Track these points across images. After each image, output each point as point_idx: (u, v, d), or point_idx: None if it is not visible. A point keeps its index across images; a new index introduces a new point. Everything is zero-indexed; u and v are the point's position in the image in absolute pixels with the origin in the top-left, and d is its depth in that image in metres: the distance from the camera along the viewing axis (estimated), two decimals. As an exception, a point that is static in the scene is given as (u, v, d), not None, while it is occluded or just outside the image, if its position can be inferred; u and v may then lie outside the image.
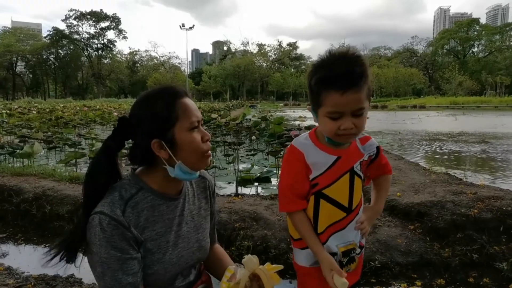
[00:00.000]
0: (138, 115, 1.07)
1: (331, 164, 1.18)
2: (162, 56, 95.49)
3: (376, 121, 19.03)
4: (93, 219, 1.00)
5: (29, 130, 9.82)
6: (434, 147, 9.33)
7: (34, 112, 19.21)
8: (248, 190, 4.89)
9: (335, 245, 1.21)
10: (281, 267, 1.17)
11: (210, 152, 1.12)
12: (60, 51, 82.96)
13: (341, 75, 1.05)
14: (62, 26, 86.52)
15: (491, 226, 2.83)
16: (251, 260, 1.13)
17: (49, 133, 9.48)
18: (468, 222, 2.87)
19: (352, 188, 1.20)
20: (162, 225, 1.11)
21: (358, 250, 1.26)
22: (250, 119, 15.58)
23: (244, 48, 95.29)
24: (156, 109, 1.06)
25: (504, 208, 2.92)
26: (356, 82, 1.04)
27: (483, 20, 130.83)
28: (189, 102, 1.10)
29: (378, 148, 1.30)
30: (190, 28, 64.32)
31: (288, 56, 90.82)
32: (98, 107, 27.38)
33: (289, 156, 1.23)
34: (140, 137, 1.07)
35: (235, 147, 6.79)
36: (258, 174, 5.40)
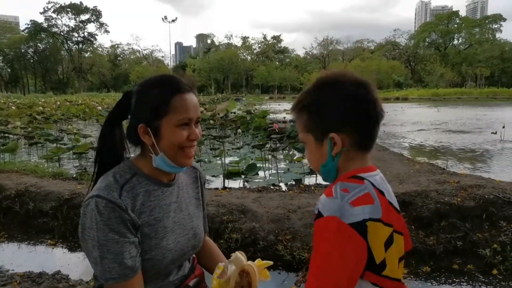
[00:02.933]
0: (137, 95, 1.09)
1: None
2: (144, 50, 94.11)
3: (360, 113, 19.22)
4: (89, 204, 0.98)
5: (7, 127, 9.57)
6: (417, 137, 9.49)
7: (13, 107, 18.72)
8: (235, 183, 4.89)
9: None
10: (270, 263, 1.18)
11: (192, 152, 1.11)
12: (39, 44, 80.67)
13: None
14: (40, 19, 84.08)
15: (474, 214, 2.90)
16: (238, 257, 1.13)
17: (29, 128, 9.26)
18: (451, 211, 2.94)
19: None
20: (159, 210, 1.11)
21: None
22: (235, 113, 15.53)
23: (228, 41, 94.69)
24: (151, 97, 1.07)
25: (486, 196, 2.99)
26: (293, 106, 0.95)
27: (463, 13, 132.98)
28: (188, 98, 1.08)
29: (319, 213, 0.84)
30: (173, 20, 63.61)
31: (272, 49, 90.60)
32: (80, 101, 26.86)
33: None
34: (133, 116, 1.10)
35: (221, 140, 6.77)
36: (245, 167, 5.40)
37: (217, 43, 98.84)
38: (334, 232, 0.78)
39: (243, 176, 5.18)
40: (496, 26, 78.05)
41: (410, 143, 8.62)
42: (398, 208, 0.90)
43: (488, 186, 3.22)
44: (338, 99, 0.88)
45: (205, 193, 1.37)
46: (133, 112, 1.10)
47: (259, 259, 1.18)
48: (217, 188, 4.34)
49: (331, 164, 0.90)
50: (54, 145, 7.17)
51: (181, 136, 1.05)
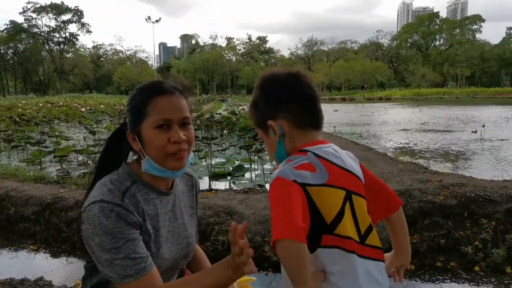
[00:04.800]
0: (126, 103, 1.12)
1: None
2: (128, 50, 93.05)
3: (346, 113, 19.41)
4: (91, 209, 0.97)
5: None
6: (400, 137, 9.64)
7: (-7, 109, 18.27)
8: (221, 185, 4.88)
9: None
10: (253, 279, 1.20)
11: (181, 154, 1.07)
12: (19, 45, 78.79)
13: None
14: (20, 19, 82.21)
15: (456, 212, 2.96)
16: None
17: (9, 131, 9.05)
18: (434, 209, 2.99)
19: None
20: (157, 219, 1.10)
21: None
22: (221, 114, 15.49)
23: (213, 41, 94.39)
24: (134, 102, 1.08)
25: (467, 195, 3.05)
26: (248, 109, 1.10)
27: (444, 14, 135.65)
28: (166, 99, 1.06)
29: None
30: (157, 21, 62.95)
31: (257, 50, 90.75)
32: (61, 103, 26.38)
33: None
34: (126, 124, 1.12)
35: (207, 141, 6.74)
36: (231, 168, 5.39)
37: (201, 44, 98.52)
38: (279, 186, 0.89)
39: (229, 178, 5.17)
40: (475, 27, 79.91)
41: (394, 142, 8.74)
42: (357, 174, 1.00)
43: (469, 184, 3.29)
44: (271, 91, 1.00)
45: (198, 201, 1.37)
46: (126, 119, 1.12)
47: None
48: (202, 190, 4.32)
49: (280, 148, 1.01)
50: (36, 148, 7.03)
51: (160, 139, 1.03)
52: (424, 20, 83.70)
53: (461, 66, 64.50)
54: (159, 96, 1.06)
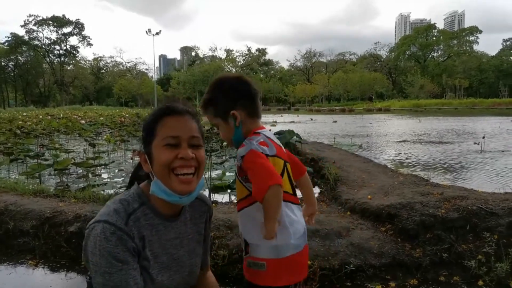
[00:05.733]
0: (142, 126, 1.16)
1: None
2: (128, 62, 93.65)
3: (345, 124, 19.47)
4: (94, 228, 0.97)
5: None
6: (400, 148, 9.64)
7: (-7, 122, 18.29)
8: (221, 197, 4.85)
9: None
10: None
11: (187, 177, 1.05)
12: (19, 57, 79.36)
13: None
14: (21, 32, 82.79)
15: (458, 225, 2.93)
16: None
17: (9, 144, 9.04)
18: (436, 222, 2.97)
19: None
20: (158, 245, 1.09)
21: (243, 248, 1.39)
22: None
23: (212, 53, 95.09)
24: (147, 123, 1.11)
25: (469, 208, 3.04)
26: (202, 106, 1.40)
27: (441, 26, 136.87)
28: (175, 119, 1.08)
29: (243, 156, 1.29)
30: (157, 33, 63.51)
31: (257, 62, 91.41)
32: (62, 115, 26.43)
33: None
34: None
35: (207, 154, 6.72)
36: (231, 181, 5.37)
37: (201, 56, 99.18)
38: (255, 155, 1.25)
39: (229, 191, 5.14)
40: (472, 38, 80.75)
41: (394, 154, 8.74)
42: (283, 149, 1.43)
43: (470, 197, 3.27)
44: (229, 89, 1.35)
45: (210, 227, 1.36)
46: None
47: None
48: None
49: (238, 133, 1.35)
50: (35, 161, 7.01)
51: (166, 155, 1.03)
52: (422, 32, 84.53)
53: (459, 77, 65.02)
54: (169, 116, 1.08)
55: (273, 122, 19.09)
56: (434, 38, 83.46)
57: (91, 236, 0.98)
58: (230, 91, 1.35)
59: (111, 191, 4.90)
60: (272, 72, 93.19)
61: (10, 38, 77.34)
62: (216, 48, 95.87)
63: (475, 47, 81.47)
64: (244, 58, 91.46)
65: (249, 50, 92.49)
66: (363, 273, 2.67)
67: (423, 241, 2.90)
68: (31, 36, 79.81)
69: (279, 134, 6.73)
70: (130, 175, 1.24)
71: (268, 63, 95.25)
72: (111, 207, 1.03)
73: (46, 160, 7.06)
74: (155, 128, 1.06)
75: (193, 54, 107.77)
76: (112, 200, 1.07)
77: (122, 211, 1.02)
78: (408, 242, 2.93)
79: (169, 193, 1.05)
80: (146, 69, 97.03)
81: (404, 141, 11.43)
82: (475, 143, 9.68)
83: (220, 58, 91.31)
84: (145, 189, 1.11)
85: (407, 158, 8.04)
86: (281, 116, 31.09)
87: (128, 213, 1.03)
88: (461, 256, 2.76)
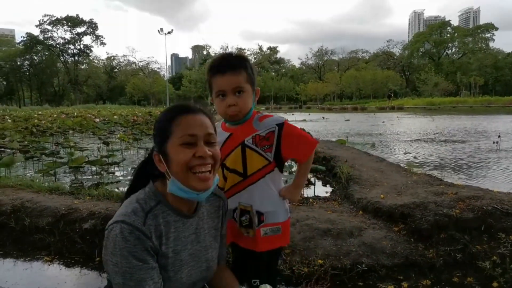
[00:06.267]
0: (154, 126, 1.16)
1: (225, 140, 1.50)
2: (140, 61, 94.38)
3: (357, 122, 19.31)
4: (113, 229, 0.99)
5: (3, 140, 9.52)
6: (413, 147, 9.53)
7: (9, 120, 18.65)
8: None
9: (237, 202, 1.50)
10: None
11: (205, 175, 1.07)
12: (34, 57, 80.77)
13: (221, 63, 1.44)
14: (36, 31, 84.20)
15: (473, 225, 2.89)
16: None
17: (25, 142, 9.21)
18: (450, 223, 2.93)
19: (244, 158, 1.46)
20: (177, 242, 1.10)
21: (256, 220, 1.47)
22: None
23: (224, 52, 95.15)
24: (160, 123, 1.10)
25: (484, 208, 2.99)
26: (233, 67, 1.40)
27: (455, 23, 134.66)
28: (191, 117, 1.08)
29: (280, 124, 1.47)
30: (169, 32, 63.88)
31: (268, 60, 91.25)
32: (76, 114, 26.81)
33: None
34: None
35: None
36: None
37: (212, 54, 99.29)
38: (290, 124, 1.50)
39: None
40: (488, 35, 79.17)
41: (407, 153, 8.65)
42: None
43: (486, 197, 3.22)
44: (253, 70, 1.48)
45: (226, 222, 1.37)
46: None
47: None
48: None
49: (252, 107, 1.49)
50: (50, 159, 7.13)
51: (184, 154, 1.04)
52: (436, 29, 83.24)
53: (474, 75, 63.77)
54: (183, 115, 1.08)
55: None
56: (448, 35, 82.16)
57: (110, 237, 0.99)
58: (254, 72, 1.48)
59: (124, 189, 4.96)
60: (283, 70, 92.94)
61: (25, 38, 78.78)
62: (227, 47, 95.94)
63: (491, 44, 79.94)
64: (255, 56, 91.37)
65: (260, 48, 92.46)
66: (375, 273, 2.65)
67: (437, 241, 2.86)
68: (46, 36, 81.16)
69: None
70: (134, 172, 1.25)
71: (280, 61, 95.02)
72: (129, 207, 1.04)
73: (61, 158, 7.18)
74: (170, 127, 1.06)
75: (204, 52, 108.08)
76: (129, 200, 1.08)
77: (140, 210, 1.03)
78: (421, 242, 2.90)
79: (187, 190, 1.07)
80: (158, 68, 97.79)
81: (417, 140, 11.29)
82: (494, 142, 9.41)
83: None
84: (159, 187, 1.12)
85: (420, 157, 7.95)
86: (293, 114, 30.98)
87: (145, 211, 1.04)
88: (475, 257, 2.72)
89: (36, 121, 17.56)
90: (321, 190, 4.99)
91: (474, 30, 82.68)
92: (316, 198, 4.31)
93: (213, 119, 1.16)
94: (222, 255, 1.36)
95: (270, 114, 1.52)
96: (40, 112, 31.03)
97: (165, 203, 1.09)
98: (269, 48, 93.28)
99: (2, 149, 7.55)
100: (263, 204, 1.47)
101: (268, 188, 1.48)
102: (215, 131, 1.15)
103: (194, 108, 1.11)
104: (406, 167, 5.51)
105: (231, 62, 1.42)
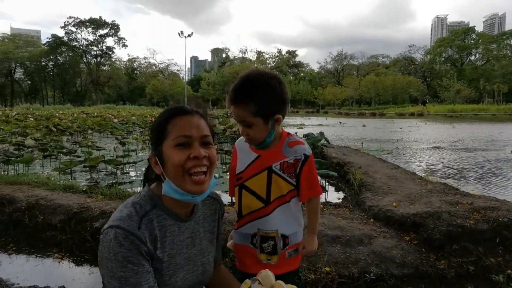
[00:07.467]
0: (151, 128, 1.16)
1: (252, 161, 1.48)
2: (160, 63, 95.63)
3: (374, 128, 19.06)
4: (107, 234, 0.99)
5: (24, 138, 9.78)
6: (431, 155, 9.33)
7: (31, 119, 19.17)
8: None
9: (256, 228, 1.48)
10: (294, 287, 1.17)
11: (200, 178, 1.06)
12: (59, 58, 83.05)
13: (232, 92, 1.40)
14: (61, 33, 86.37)
15: (487, 237, 2.80)
16: (267, 275, 1.13)
17: (45, 140, 9.44)
18: (464, 233, 2.85)
19: (269, 183, 1.44)
20: (172, 247, 1.10)
21: (280, 244, 1.47)
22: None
23: (243, 55, 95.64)
24: (156, 125, 1.10)
25: (500, 219, 2.89)
26: (239, 100, 1.37)
27: (480, 29, 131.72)
28: (187, 119, 1.08)
29: (306, 156, 1.46)
30: (189, 35, 64.64)
31: (286, 64, 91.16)
32: (96, 114, 27.36)
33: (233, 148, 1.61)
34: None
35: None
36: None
37: (231, 57, 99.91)
38: (312, 161, 1.48)
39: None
40: (514, 42, 77.05)
41: (423, 161, 8.47)
42: None
43: (502, 208, 3.12)
44: (281, 93, 1.40)
45: (222, 225, 1.37)
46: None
47: (281, 281, 1.16)
48: (225, 204, 4.32)
49: (272, 134, 1.43)
50: (68, 157, 7.28)
51: (179, 156, 1.03)
52: (459, 34, 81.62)
53: (498, 82, 62.18)
54: (178, 116, 1.08)
55: (300, 125, 18.98)
56: (472, 41, 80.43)
57: (104, 241, 0.99)
58: (281, 96, 1.40)
59: (138, 189, 5.01)
60: (301, 74, 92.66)
61: (50, 39, 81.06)
62: (246, 50, 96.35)
63: (517, 51, 77.80)
64: (274, 60, 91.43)
65: (279, 52, 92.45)
66: (383, 283, 2.59)
67: (449, 252, 2.78)
68: (70, 37, 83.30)
69: (307, 136, 6.67)
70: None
71: (298, 65, 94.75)
72: (124, 212, 1.03)
73: (78, 157, 7.31)
74: (166, 129, 1.06)
75: (223, 55, 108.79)
76: (124, 203, 1.08)
77: (135, 214, 1.03)
78: (432, 252, 2.82)
79: (182, 193, 1.06)
80: (178, 70, 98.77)
81: (436, 147, 11.06)
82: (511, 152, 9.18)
83: (250, 60, 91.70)
84: (155, 190, 1.11)
85: (437, 165, 7.77)
86: (309, 119, 30.84)
87: (140, 216, 1.04)
88: (488, 269, 2.63)
89: (57, 120, 17.98)
90: (333, 196, 4.93)
91: (499, 37, 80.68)
92: (327, 204, 4.26)
93: (210, 120, 1.15)
94: (218, 258, 1.35)
95: (301, 140, 1.48)
96: (61, 111, 31.80)
97: (160, 207, 1.08)
98: (288, 52, 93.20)
99: (22, 146, 7.74)
100: (288, 227, 1.48)
101: (290, 212, 1.49)
102: (212, 133, 1.14)
103: (190, 109, 1.10)
104: (421, 175, 5.39)
105: (238, 94, 1.38)
